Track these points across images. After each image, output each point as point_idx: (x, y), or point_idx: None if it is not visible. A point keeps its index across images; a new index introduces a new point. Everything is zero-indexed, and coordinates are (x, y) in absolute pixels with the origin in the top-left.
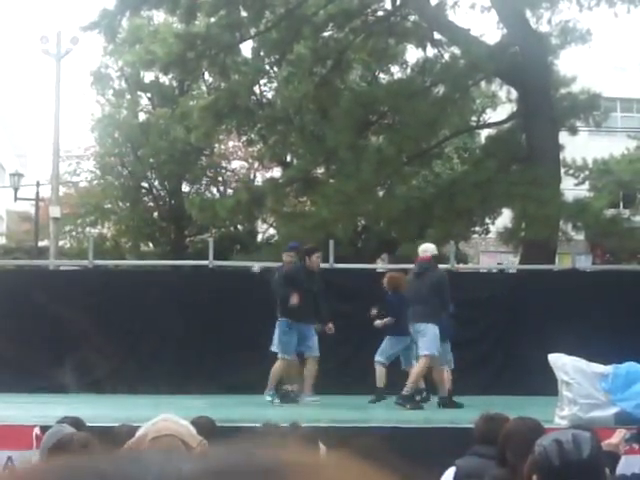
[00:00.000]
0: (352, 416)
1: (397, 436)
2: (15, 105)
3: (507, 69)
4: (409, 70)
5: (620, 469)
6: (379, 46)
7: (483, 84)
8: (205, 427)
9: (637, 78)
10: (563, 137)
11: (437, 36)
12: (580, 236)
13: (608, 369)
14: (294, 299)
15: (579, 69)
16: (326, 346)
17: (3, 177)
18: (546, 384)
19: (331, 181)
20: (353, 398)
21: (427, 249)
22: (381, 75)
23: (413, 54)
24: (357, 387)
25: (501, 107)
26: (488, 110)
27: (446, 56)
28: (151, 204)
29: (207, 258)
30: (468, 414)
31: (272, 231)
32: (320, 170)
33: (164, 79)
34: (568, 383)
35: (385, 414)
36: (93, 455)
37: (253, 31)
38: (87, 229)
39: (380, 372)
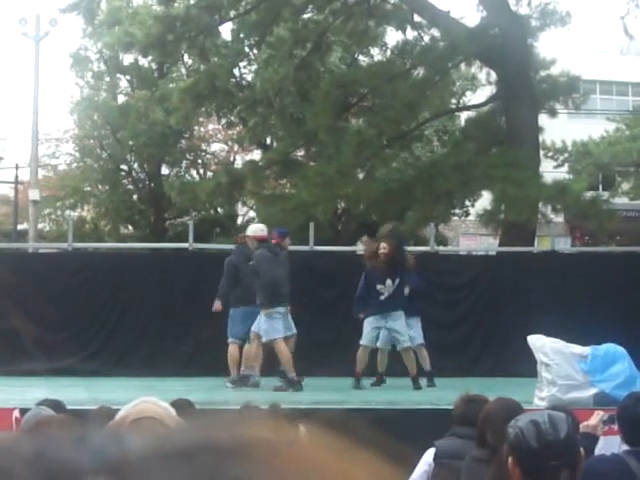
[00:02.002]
0: (333, 398)
1: (377, 418)
2: None
3: (487, 51)
4: (389, 52)
5: (599, 450)
6: (359, 28)
7: (463, 66)
8: (184, 409)
9: (616, 61)
10: (543, 119)
11: (417, 18)
12: (559, 218)
13: (587, 350)
14: None
15: (559, 51)
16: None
17: None
18: (525, 365)
19: (311, 164)
20: (334, 380)
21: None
22: (361, 57)
23: (393, 36)
24: (339, 369)
25: (481, 89)
26: (468, 92)
27: (426, 38)
28: (130, 187)
29: (187, 241)
30: (448, 395)
31: (252, 214)
32: (300, 152)
33: (143, 61)
34: (547, 364)
35: (364, 396)
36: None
37: (233, 13)
38: (66, 212)
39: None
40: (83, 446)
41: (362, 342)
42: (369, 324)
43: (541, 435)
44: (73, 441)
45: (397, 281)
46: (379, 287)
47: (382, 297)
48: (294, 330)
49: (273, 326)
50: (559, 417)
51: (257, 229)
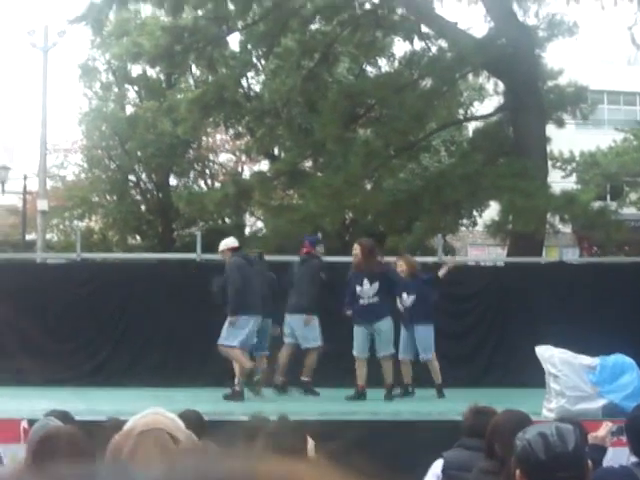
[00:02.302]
0: (341, 408)
1: (385, 428)
2: (2, 98)
3: (494, 62)
4: (396, 63)
5: (607, 461)
6: (366, 39)
7: (470, 77)
8: (193, 421)
9: (624, 71)
10: (550, 130)
11: (424, 29)
12: (567, 229)
13: (595, 361)
14: None
15: (566, 62)
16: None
17: None
18: (534, 376)
19: (319, 174)
20: (342, 391)
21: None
22: (368, 68)
23: (400, 47)
24: (346, 380)
25: (488, 100)
26: (475, 103)
27: (433, 49)
28: (138, 197)
29: (195, 251)
30: (457, 406)
31: (260, 224)
32: (308, 163)
33: (151, 72)
34: (555, 375)
35: (373, 406)
36: (42, 468)
37: (240, 24)
38: (74, 222)
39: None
40: None
41: (355, 353)
42: (358, 334)
43: (549, 447)
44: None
45: (376, 285)
46: (358, 290)
47: (362, 301)
48: (264, 351)
49: (232, 333)
50: (567, 429)
51: (229, 241)
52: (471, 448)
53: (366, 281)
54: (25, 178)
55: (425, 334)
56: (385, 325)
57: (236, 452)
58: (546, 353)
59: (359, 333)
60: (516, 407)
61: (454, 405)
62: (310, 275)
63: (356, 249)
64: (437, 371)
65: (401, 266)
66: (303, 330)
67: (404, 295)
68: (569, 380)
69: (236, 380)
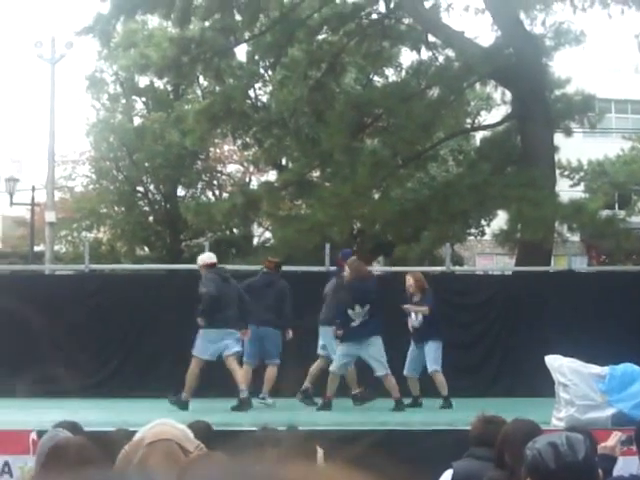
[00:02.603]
0: (350, 419)
1: (394, 439)
2: (10, 110)
3: (502, 71)
4: (404, 73)
5: (617, 471)
6: (373, 49)
7: (478, 86)
8: (202, 431)
9: (631, 79)
10: (558, 139)
11: (431, 38)
12: (575, 237)
13: (605, 370)
14: None
15: (573, 70)
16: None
17: None
18: (543, 386)
19: (326, 184)
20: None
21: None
22: (376, 78)
23: (407, 57)
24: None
25: (496, 109)
26: (483, 112)
27: (440, 58)
28: (146, 208)
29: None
30: (465, 416)
31: (268, 234)
32: (315, 173)
33: (159, 83)
34: (565, 385)
35: (382, 416)
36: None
37: (247, 35)
38: (83, 233)
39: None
40: None
41: (331, 369)
42: (342, 350)
43: (559, 457)
44: None
45: (367, 307)
46: (350, 312)
47: (354, 324)
48: (274, 359)
49: (201, 345)
50: (577, 438)
51: (205, 257)
52: (481, 458)
53: (357, 304)
54: (33, 190)
55: (435, 347)
56: (374, 344)
57: (254, 459)
58: (555, 362)
59: (344, 350)
60: (525, 416)
61: (462, 415)
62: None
63: (347, 272)
64: (444, 384)
65: (409, 280)
66: (332, 342)
67: (413, 314)
68: (578, 389)
69: (241, 388)
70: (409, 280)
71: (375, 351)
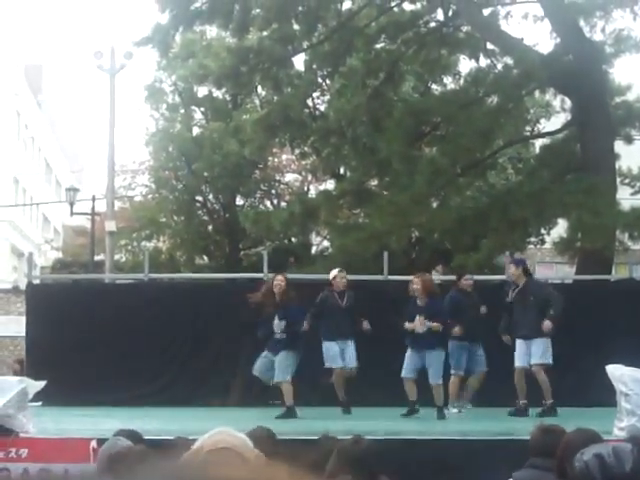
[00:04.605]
0: (404, 427)
1: (454, 448)
2: (70, 121)
3: (561, 78)
4: (462, 80)
5: None
6: (431, 57)
7: (537, 93)
8: (262, 439)
9: None
10: (618, 146)
11: (490, 46)
12: (637, 245)
13: None
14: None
15: (634, 77)
16: (381, 357)
17: (59, 192)
18: (605, 395)
19: (384, 193)
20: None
21: None
22: (434, 86)
23: (466, 64)
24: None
25: (555, 117)
26: (542, 120)
27: (499, 66)
28: (205, 218)
29: (262, 271)
30: (526, 426)
31: (326, 243)
32: (373, 182)
33: (217, 93)
34: (626, 394)
35: (442, 426)
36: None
37: (305, 44)
38: (142, 243)
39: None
40: None
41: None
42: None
43: (605, 468)
44: None
45: (284, 321)
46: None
47: (276, 336)
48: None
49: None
50: (624, 449)
51: None
52: (541, 468)
53: (277, 317)
54: (93, 199)
55: (438, 358)
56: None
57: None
58: (617, 372)
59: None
60: (587, 426)
61: (524, 425)
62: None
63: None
64: (441, 395)
65: (417, 284)
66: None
67: (417, 318)
68: None
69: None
70: (416, 283)
71: (284, 358)
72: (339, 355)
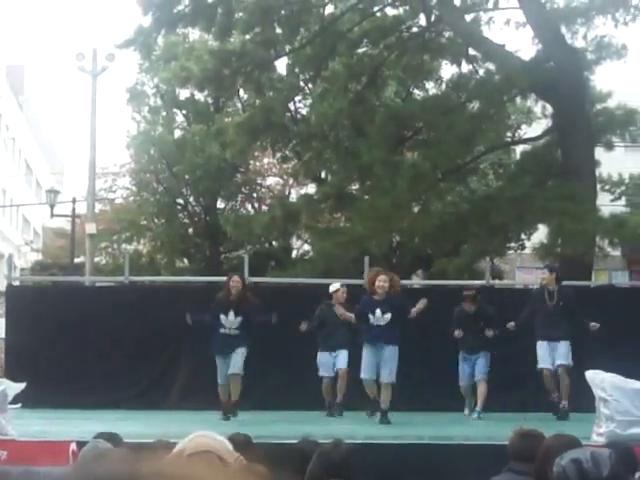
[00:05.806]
0: (384, 432)
1: (434, 453)
2: (52, 122)
3: (542, 84)
4: (444, 86)
5: None
6: (414, 62)
7: (518, 100)
8: (241, 443)
9: None
10: (599, 153)
11: (472, 52)
12: (617, 252)
13: None
14: None
15: (615, 84)
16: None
17: (40, 194)
18: (583, 401)
19: (366, 197)
20: (404, 415)
21: None
22: (416, 91)
23: (448, 70)
24: (404, 403)
25: (536, 123)
26: (523, 126)
27: (481, 72)
28: (186, 220)
29: (242, 274)
30: (505, 431)
31: (307, 247)
32: (355, 186)
33: (199, 96)
34: (605, 400)
35: (421, 430)
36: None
37: (288, 48)
38: (123, 245)
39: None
40: None
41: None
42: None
43: (583, 473)
44: None
45: (240, 318)
46: (222, 318)
47: (222, 330)
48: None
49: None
50: (602, 455)
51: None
52: (519, 472)
53: (232, 311)
54: (74, 201)
55: (393, 355)
56: (239, 353)
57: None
58: (596, 377)
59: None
60: (566, 432)
61: (503, 430)
62: None
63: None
64: (390, 396)
65: (385, 281)
66: None
67: (377, 311)
68: (619, 405)
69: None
70: (384, 281)
71: (236, 357)
72: (331, 366)
